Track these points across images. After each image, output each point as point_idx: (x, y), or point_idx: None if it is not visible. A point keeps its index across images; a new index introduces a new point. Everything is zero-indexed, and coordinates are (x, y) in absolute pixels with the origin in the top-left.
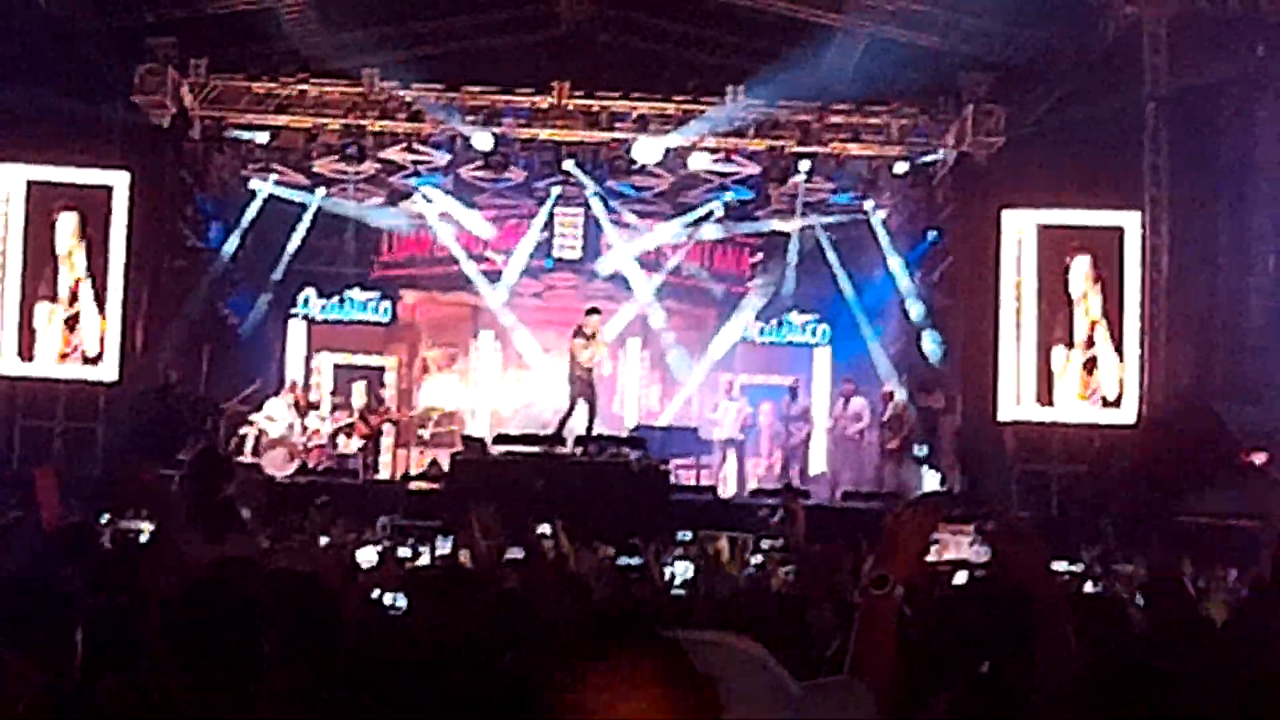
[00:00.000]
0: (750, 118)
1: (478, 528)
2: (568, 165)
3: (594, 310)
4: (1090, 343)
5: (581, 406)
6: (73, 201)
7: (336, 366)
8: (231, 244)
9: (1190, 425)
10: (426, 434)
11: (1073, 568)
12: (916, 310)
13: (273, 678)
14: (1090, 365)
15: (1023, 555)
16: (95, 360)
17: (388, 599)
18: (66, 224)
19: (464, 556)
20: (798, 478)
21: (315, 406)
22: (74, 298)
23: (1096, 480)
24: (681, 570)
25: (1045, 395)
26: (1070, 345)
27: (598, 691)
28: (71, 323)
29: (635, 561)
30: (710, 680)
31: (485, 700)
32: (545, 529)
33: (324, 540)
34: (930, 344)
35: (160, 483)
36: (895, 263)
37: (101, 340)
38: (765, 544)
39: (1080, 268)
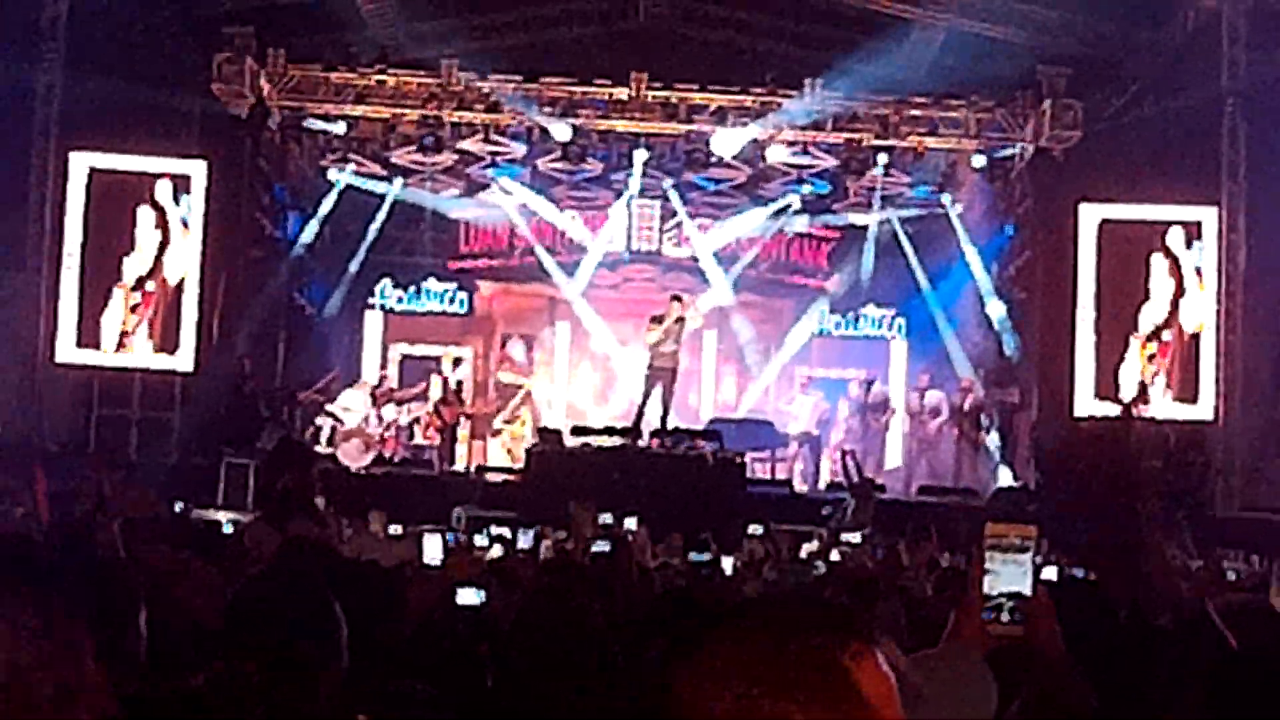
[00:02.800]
0: (828, 110)
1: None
2: (638, 158)
3: (676, 298)
4: (1166, 338)
5: (656, 396)
6: (150, 191)
7: (412, 357)
8: (309, 234)
9: None
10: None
11: None
12: (993, 305)
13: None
14: (1167, 361)
15: (1038, 622)
16: (172, 350)
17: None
18: (143, 213)
19: (545, 550)
20: (873, 471)
21: (395, 395)
22: (151, 287)
23: (1174, 475)
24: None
25: (1122, 390)
26: (1146, 340)
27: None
28: (148, 312)
29: (705, 557)
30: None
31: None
32: (630, 523)
33: (395, 529)
34: (1007, 338)
35: None
36: (972, 257)
37: (178, 330)
38: (843, 538)
39: (1157, 263)
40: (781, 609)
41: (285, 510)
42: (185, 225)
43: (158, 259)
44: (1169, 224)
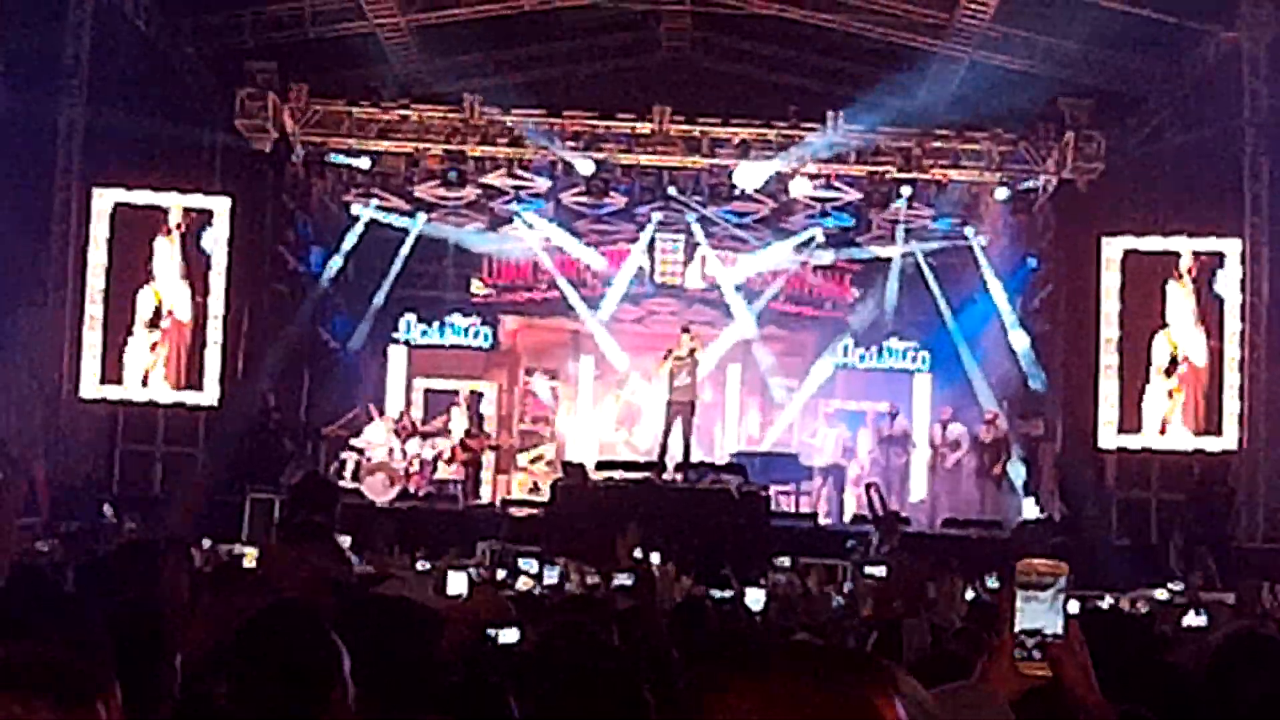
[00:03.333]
0: (851, 143)
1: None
2: (670, 190)
3: (686, 329)
4: (1191, 369)
5: (677, 429)
6: (174, 226)
7: (436, 392)
8: (332, 268)
9: None
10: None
11: (1175, 596)
12: (1017, 337)
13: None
14: (1191, 392)
15: (1069, 668)
16: (196, 385)
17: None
18: (166, 248)
19: (571, 585)
20: (898, 503)
21: (418, 429)
22: (174, 322)
23: (1198, 507)
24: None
25: (1146, 422)
26: (1171, 372)
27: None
28: (172, 347)
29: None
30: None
31: None
32: (654, 558)
33: (422, 565)
34: (1031, 371)
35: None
36: (995, 288)
37: (202, 365)
38: (866, 570)
39: (1180, 295)
40: (810, 652)
41: (304, 540)
42: (208, 261)
43: (181, 293)
44: (1192, 256)
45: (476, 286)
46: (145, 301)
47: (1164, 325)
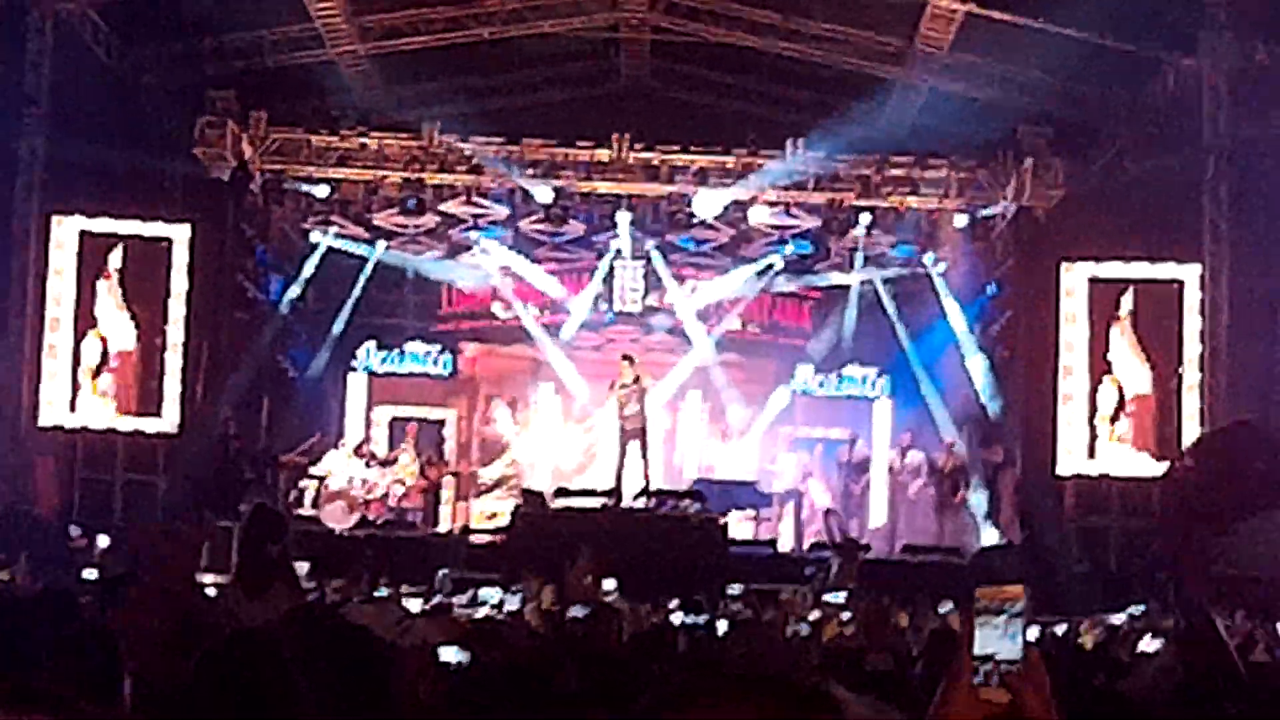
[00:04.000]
0: (810, 171)
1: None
2: (621, 220)
3: (627, 357)
4: (1150, 397)
5: (633, 454)
6: (132, 253)
7: (396, 419)
8: (292, 296)
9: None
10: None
11: (1133, 621)
12: (975, 363)
13: None
14: (1150, 419)
15: (1029, 695)
16: (155, 412)
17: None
18: (125, 276)
19: (529, 614)
20: (857, 530)
21: (376, 459)
22: (131, 350)
23: (1156, 534)
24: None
25: (1104, 449)
26: (1130, 399)
27: None
28: (129, 375)
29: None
30: None
31: None
32: (609, 584)
33: (381, 593)
34: (989, 397)
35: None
36: (955, 315)
37: (161, 392)
38: (825, 597)
39: (1139, 321)
40: (762, 684)
41: (267, 578)
42: (168, 288)
43: (139, 321)
44: (1151, 282)
45: (437, 300)
46: (89, 345)
47: (1125, 352)
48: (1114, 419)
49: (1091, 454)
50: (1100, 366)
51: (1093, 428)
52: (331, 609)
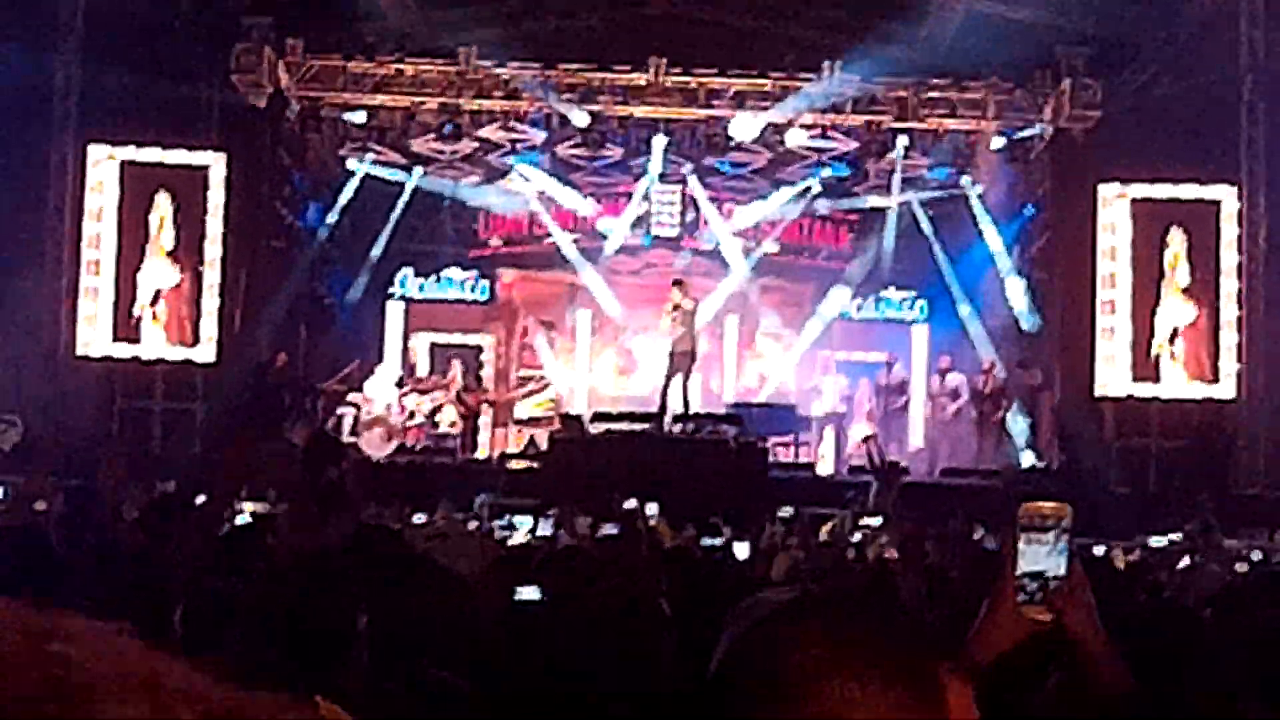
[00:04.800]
0: (847, 93)
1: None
2: (657, 144)
3: (678, 282)
4: (1187, 317)
5: (676, 381)
6: (169, 183)
7: (434, 346)
8: (329, 223)
9: None
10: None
11: (1172, 544)
12: (1014, 285)
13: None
14: (1188, 340)
15: (1074, 613)
16: (193, 341)
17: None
18: (163, 205)
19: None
20: (896, 453)
21: (415, 386)
22: (171, 279)
23: (1196, 455)
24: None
25: (1143, 370)
26: (1167, 320)
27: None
28: (169, 304)
29: (718, 542)
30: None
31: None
32: (651, 509)
33: (418, 519)
34: (1027, 319)
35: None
36: (992, 238)
37: (199, 321)
38: (863, 520)
39: (1176, 242)
40: (886, 613)
41: (328, 504)
42: (204, 217)
43: (177, 251)
44: (1189, 203)
45: (475, 225)
46: (145, 259)
47: (1162, 273)
48: (1154, 340)
49: (1131, 376)
50: (1142, 287)
51: (1132, 349)
52: (394, 533)
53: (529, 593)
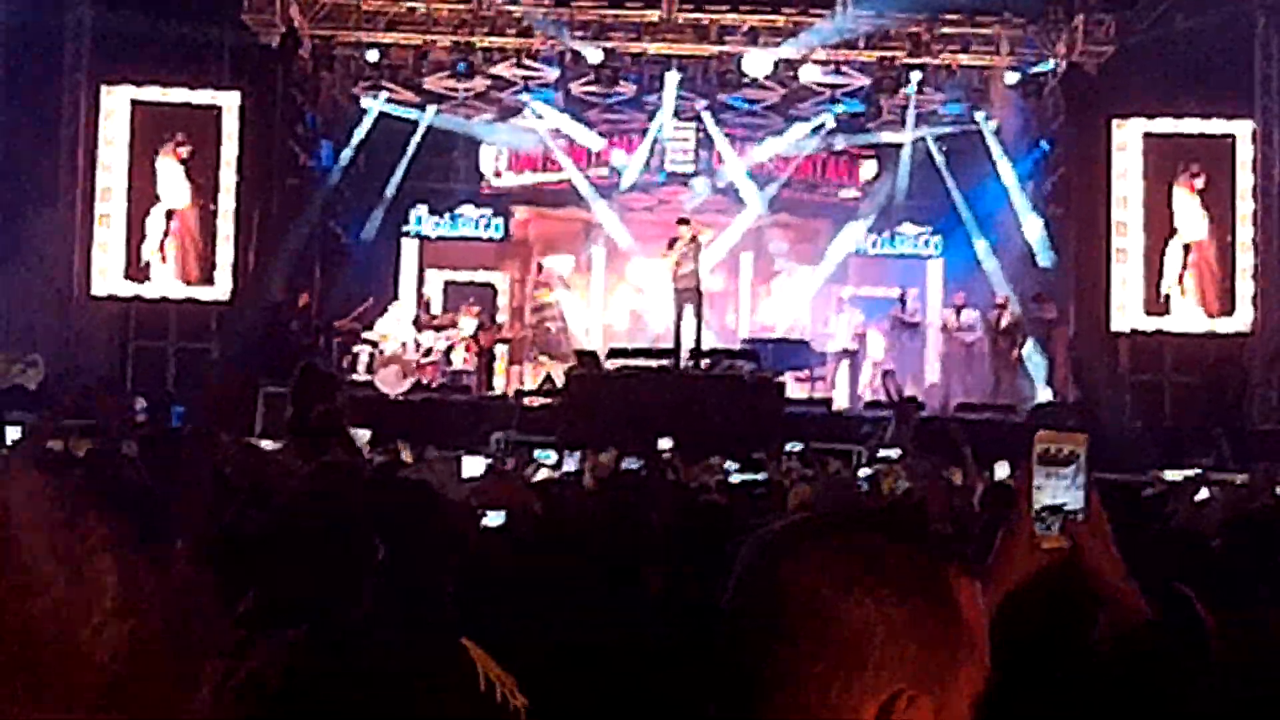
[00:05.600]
0: (860, 29)
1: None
2: (670, 81)
3: (683, 220)
4: (1202, 251)
5: (689, 315)
6: (182, 122)
7: (449, 284)
8: (343, 162)
9: None
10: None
11: (1187, 474)
12: (1029, 221)
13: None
14: (1202, 274)
15: (1092, 543)
16: (208, 281)
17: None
18: (176, 145)
19: (587, 477)
20: (911, 387)
21: (431, 323)
22: (184, 218)
23: (1212, 389)
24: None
25: (1158, 305)
26: (1182, 254)
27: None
28: (182, 243)
29: (758, 476)
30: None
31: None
32: (665, 444)
33: (432, 454)
34: (1042, 254)
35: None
36: (1007, 173)
37: (213, 260)
38: (881, 453)
39: (1191, 176)
40: (891, 521)
41: (320, 439)
42: (218, 156)
43: (191, 190)
44: (1203, 138)
45: (489, 163)
46: (158, 198)
47: (1176, 207)
48: (1168, 274)
49: (1147, 310)
50: (1156, 222)
51: (1148, 283)
52: (386, 466)
53: (495, 519)
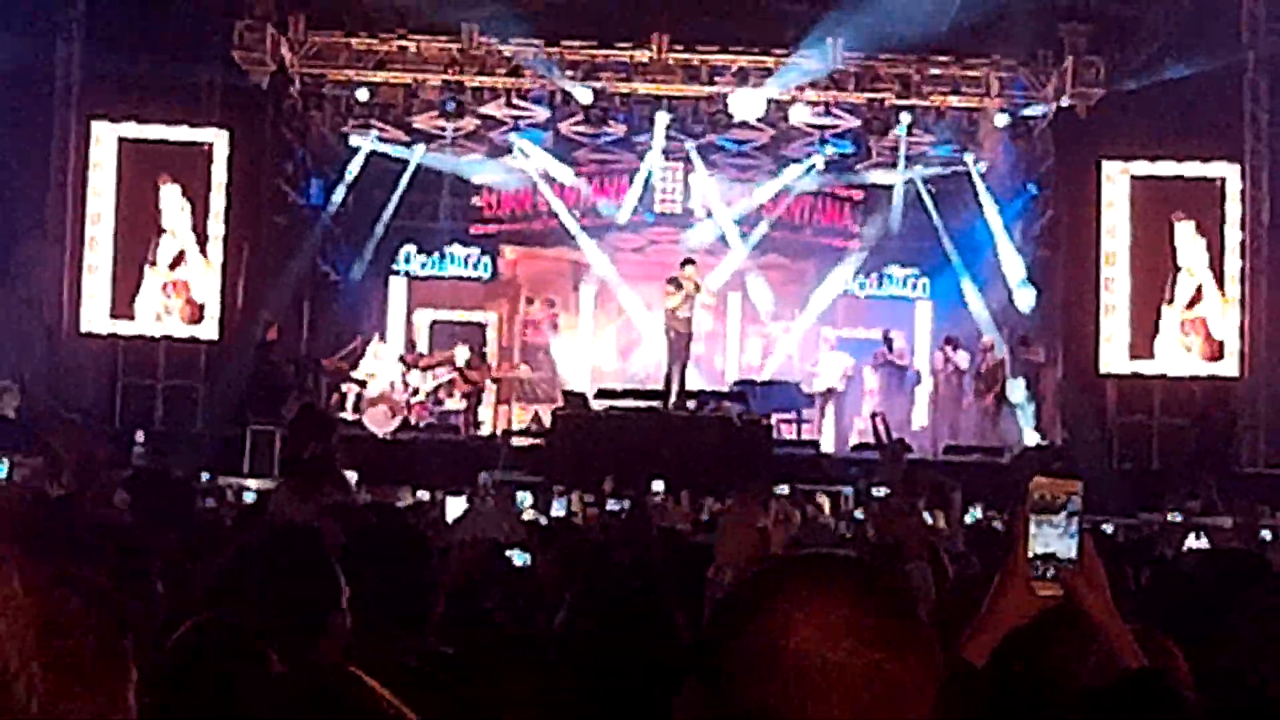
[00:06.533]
0: (850, 69)
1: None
2: (660, 121)
3: (689, 261)
4: (1191, 295)
5: (679, 359)
6: (171, 160)
7: (436, 322)
8: (334, 201)
9: None
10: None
11: (1174, 519)
12: (1014, 263)
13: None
14: (1191, 317)
15: (1085, 590)
16: (196, 318)
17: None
18: (165, 182)
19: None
20: (897, 430)
21: (418, 363)
22: (173, 256)
23: (1199, 433)
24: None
25: (1146, 348)
26: (1171, 297)
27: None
28: (171, 281)
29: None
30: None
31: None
32: (658, 485)
33: (422, 495)
34: (1023, 296)
35: None
36: (996, 215)
37: (202, 299)
38: (868, 494)
39: (1180, 220)
40: (867, 568)
41: (313, 478)
42: (207, 194)
43: (179, 227)
44: (1192, 181)
45: (478, 203)
46: (154, 239)
47: (1165, 250)
48: (1157, 318)
49: (1134, 353)
50: (1144, 265)
51: (1135, 326)
52: (380, 505)
53: (518, 558)
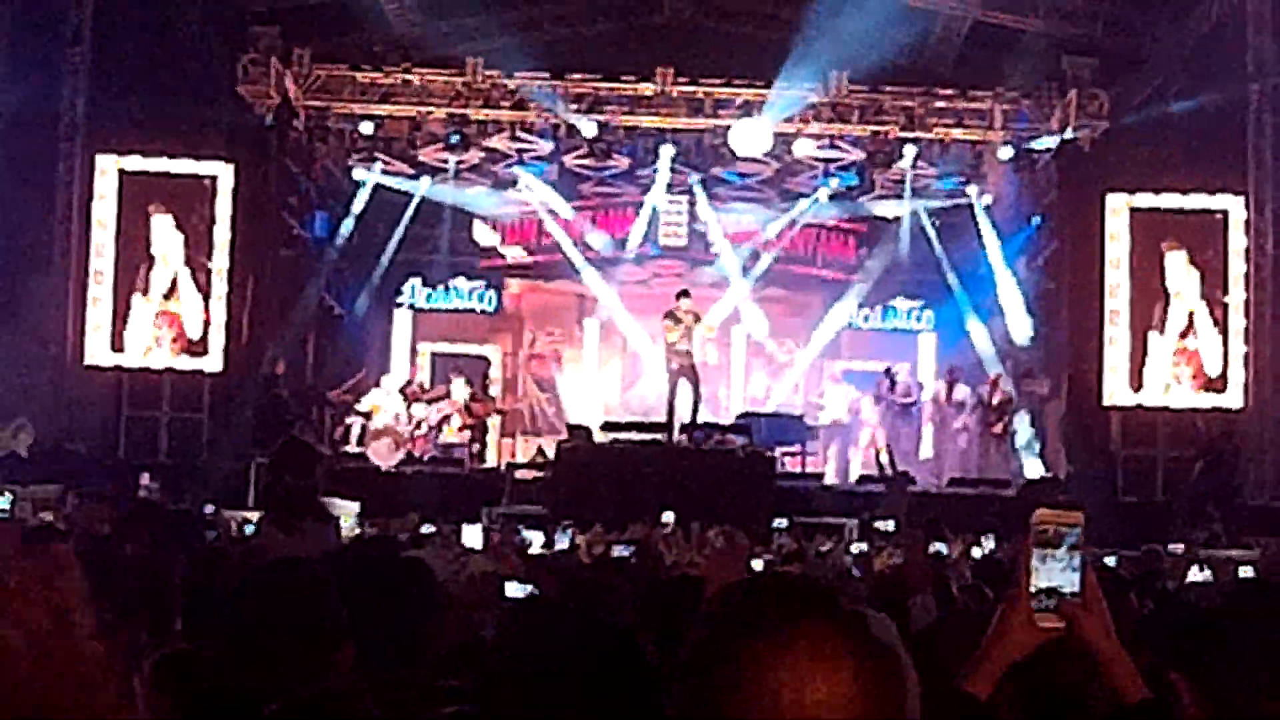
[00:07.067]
0: (854, 103)
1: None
2: (664, 154)
3: (684, 293)
4: (1194, 327)
5: (684, 391)
6: (176, 193)
7: (440, 356)
8: (339, 234)
9: None
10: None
11: (1180, 553)
12: (1017, 296)
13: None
14: (1196, 349)
15: (1088, 622)
16: (200, 351)
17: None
18: (157, 212)
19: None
20: (904, 461)
21: (422, 396)
22: (175, 289)
23: (1204, 464)
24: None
25: (1150, 380)
26: (1175, 329)
27: (785, 668)
28: (175, 313)
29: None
30: (893, 650)
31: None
32: (668, 516)
33: (427, 529)
34: (1021, 329)
35: None
36: (995, 250)
37: (206, 331)
38: (872, 527)
39: (1183, 251)
40: (833, 599)
41: (294, 511)
42: (211, 227)
43: (182, 260)
44: (1196, 213)
45: (482, 236)
46: (146, 273)
47: (1170, 282)
48: (1161, 350)
49: (1138, 386)
50: (1149, 297)
51: (1139, 359)
52: (388, 541)
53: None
